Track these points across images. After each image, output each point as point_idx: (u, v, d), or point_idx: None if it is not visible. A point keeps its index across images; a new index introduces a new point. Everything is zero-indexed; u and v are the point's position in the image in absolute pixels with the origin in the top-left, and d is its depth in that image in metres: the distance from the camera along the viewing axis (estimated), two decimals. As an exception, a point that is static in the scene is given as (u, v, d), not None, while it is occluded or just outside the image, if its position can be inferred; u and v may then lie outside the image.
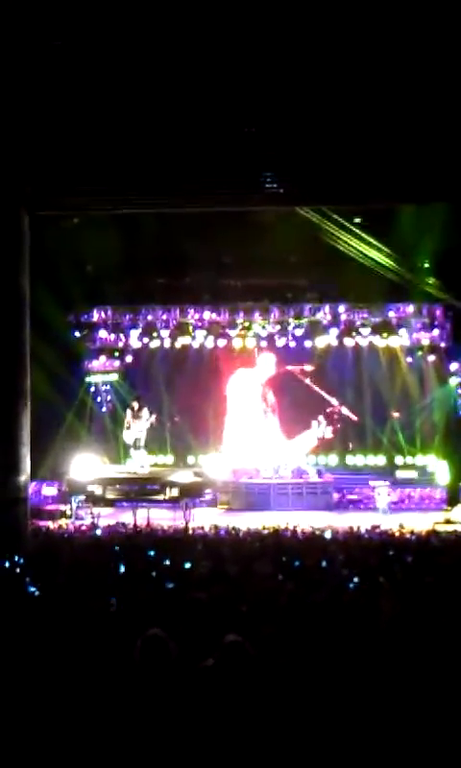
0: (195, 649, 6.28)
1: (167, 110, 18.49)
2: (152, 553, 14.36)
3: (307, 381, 30.99)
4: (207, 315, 31.54)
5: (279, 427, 31.21)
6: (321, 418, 30.90)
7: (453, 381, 29.90)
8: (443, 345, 30.26)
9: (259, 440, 30.59)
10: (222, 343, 31.32)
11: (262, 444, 30.38)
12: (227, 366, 31.92)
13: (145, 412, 27.96)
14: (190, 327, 31.56)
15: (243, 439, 31.03)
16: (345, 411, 30.98)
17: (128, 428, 27.88)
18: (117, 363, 32.32)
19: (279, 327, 31.31)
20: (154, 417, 27.74)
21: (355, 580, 11.01)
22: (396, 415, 30.70)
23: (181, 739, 5.41)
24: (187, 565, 12.62)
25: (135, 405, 28.08)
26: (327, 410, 31.03)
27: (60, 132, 19.16)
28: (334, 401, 30.98)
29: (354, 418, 31.01)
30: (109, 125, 18.95)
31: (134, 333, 31.67)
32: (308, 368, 31.11)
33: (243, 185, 21.80)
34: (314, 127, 19.24)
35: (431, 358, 30.57)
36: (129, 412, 28.12)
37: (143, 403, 28.25)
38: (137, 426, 27.73)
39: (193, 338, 31.49)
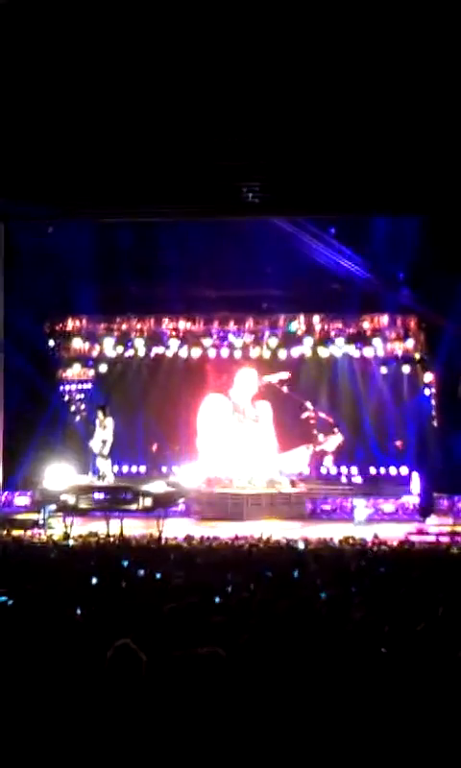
0: (167, 660, 6.25)
1: (145, 120, 18.52)
2: (125, 563, 14.30)
3: (284, 389, 31.03)
4: (182, 324, 31.53)
5: (274, 440, 31.12)
6: (321, 436, 30.99)
7: (427, 392, 29.99)
8: (417, 356, 30.35)
9: (246, 456, 30.31)
10: (196, 353, 31.29)
11: (251, 460, 30.14)
12: (201, 376, 31.83)
13: (109, 421, 27.88)
14: (165, 337, 31.53)
15: (226, 458, 30.74)
16: (322, 415, 31.01)
17: (93, 438, 27.87)
18: (91, 372, 32.22)
19: (253, 338, 31.33)
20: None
21: (328, 590, 11.00)
22: (398, 443, 30.59)
23: (152, 751, 5.39)
24: (160, 576, 12.58)
25: (100, 414, 28.03)
26: (303, 416, 31.06)
27: (37, 140, 19.15)
28: (309, 405, 31.01)
29: (330, 420, 31.03)
30: (86, 133, 18.96)
31: (109, 342, 31.60)
32: (285, 375, 31.16)
33: (221, 195, 21.85)
34: (292, 139, 19.31)
35: (405, 369, 30.63)
36: (97, 421, 28.10)
37: (108, 413, 28.19)
38: (100, 435, 27.67)
39: (168, 347, 31.46)
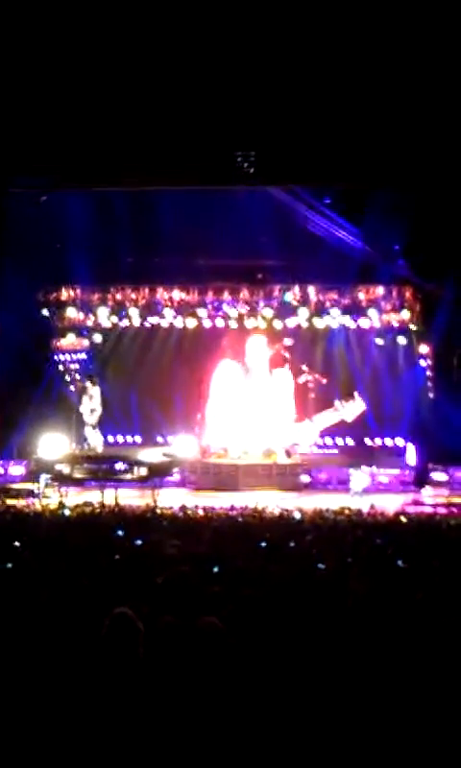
0: (164, 630, 6.23)
1: (140, 88, 18.39)
2: (120, 532, 14.29)
3: (286, 354, 31.00)
4: (177, 294, 31.38)
5: (291, 409, 30.96)
6: (337, 402, 30.87)
7: (422, 363, 29.95)
8: (412, 327, 30.26)
9: (252, 426, 30.12)
10: (191, 323, 31.17)
11: (254, 430, 30.01)
12: (197, 346, 31.75)
13: (96, 390, 27.85)
14: (160, 307, 31.41)
15: (229, 427, 30.52)
16: (316, 376, 30.92)
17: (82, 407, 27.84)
18: (86, 342, 32.12)
19: (248, 308, 31.21)
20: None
21: (324, 561, 10.99)
22: None
23: (150, 721, 5.36)
24: (154, 546, 12.56)
25: (88, 383, 28.01)
26: (300, 380, 30.98)
27: (30, 107, 19.01)
28: (305, 368, 30.93)
29: (324, 381, 30.90)
30: (80, 101, 18.82)
31: (103, 312, 31.46)
32: (288, 342, 31.07)
33: (215, 164, 21.71)
34: (287, 107, 19.17)
35: (401, 340, 30.56)
36: (85, 390, 28.06)
37: (96, 382, 28.15)
38: (88, 405, 27.65)
39: (163, 317, 31.35)
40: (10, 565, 9.89)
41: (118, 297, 31.55)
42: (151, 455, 25.68)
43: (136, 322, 31.50)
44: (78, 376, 31.87)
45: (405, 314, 30.31)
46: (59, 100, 18.81)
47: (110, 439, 31.27)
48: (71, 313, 31.53)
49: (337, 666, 6.08)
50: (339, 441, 31.47)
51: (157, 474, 24.69)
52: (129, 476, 24.56)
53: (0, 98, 18.63)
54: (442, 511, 22.30)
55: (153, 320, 31.45)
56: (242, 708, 5.47)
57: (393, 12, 15.99)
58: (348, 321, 30.76)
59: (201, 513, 19.74)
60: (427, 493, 26.54)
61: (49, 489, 24.79)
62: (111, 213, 26.79)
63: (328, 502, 22.23)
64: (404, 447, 30.02)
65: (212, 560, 10.69)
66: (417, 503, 24.28)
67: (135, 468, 24.66)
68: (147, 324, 31.59)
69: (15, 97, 18.71)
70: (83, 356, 32.13)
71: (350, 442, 31.30)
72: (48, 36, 16.76)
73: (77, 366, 32.06)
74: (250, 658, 6.01)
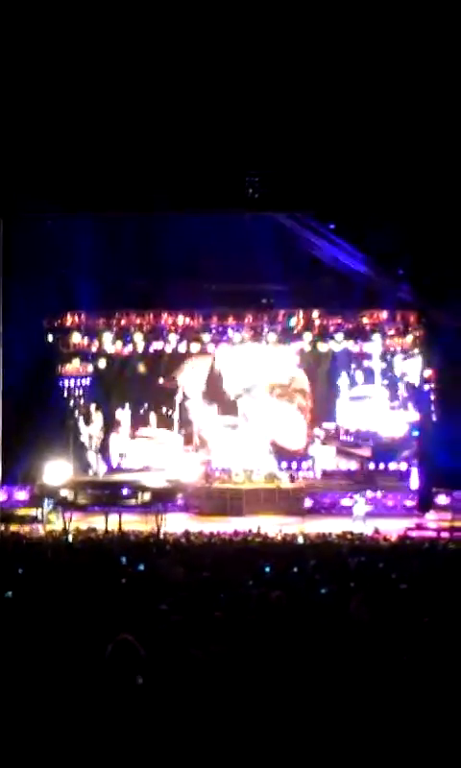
0: (167, 655, 6.24)
1: (148, 115, 18.50)
2: (123, 559, 14.29)
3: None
4: (181, 320, 31.47)
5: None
6: None
7: (426, 387, 29.97)
8: (416, 351, 30.32)
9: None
10: (195, 347, 31.28)
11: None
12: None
13: (98, 416, 27.90)
14: (164, 332, 31.49)
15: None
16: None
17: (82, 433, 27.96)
18: (90, 367, 32.18)
19: (252, 333, 31.31)
20: None
21: (327, 585, 10.99)
22: None
23: (151, 746, 5.38)
24: (158, 571, 12.57)
25: (92, 409, 28.09)
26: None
27: (36, 134, 19.13)
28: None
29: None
30: (87, 129, 18.94)
31: (108, 337, 31.54)
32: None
33: (223, 191, 21.82)
34: (292, 134, 19.29)
35: (404, 364, 30.64)
36: (84, 416, 28.18)
37: (98, 408, 28.20)
38: (88, 430, 27.72)
39: (167, 343, 31.41)
40: (11, 593, 9.90)
41: (123, 322, 31.66)
42: (154, 480, 25.69)
43: (141, 347, 31.58)
44: (82, 401, 31.94)
45: (409, 338, 30.42)
46: (66, 126, 18.93)
47: (114, 464, 31.30)
48: (76, 338, 31.61)
49: (340, 692, 6.09)
50: (342, 465, 31.46)
51: (160, 499, 24.68)
52: (132, 501, 24.56)
53: (7, 125, 18.76)
54: (445, 535, 22.25)
55: (157, 345, 31.53)
56: (244, 735, 5.49)
57: (406, 43, 16.11)
58: (351, 345, 30.86)
59: (204, 538, 19.73)
60: (431, 517, 26.48)
61: (53, 514, 24.77)
62: (117, 239, 26.90)
63: (331, 527, 22.22)
64: (408, 471, 30.00)
65: (216, 585, 10.69)
66: (420, 527, 24.22)
67: (139, 494, 24.67)
68: (151, 350, 31.68)
69: (23, 123, 18.84)
70: (87, 381, 32.18)
71: (353, 466, 31.29)
72: (56, 62, 16.89)
73: (81, 391, 32.11)
74: (252, 683, 6.03)
